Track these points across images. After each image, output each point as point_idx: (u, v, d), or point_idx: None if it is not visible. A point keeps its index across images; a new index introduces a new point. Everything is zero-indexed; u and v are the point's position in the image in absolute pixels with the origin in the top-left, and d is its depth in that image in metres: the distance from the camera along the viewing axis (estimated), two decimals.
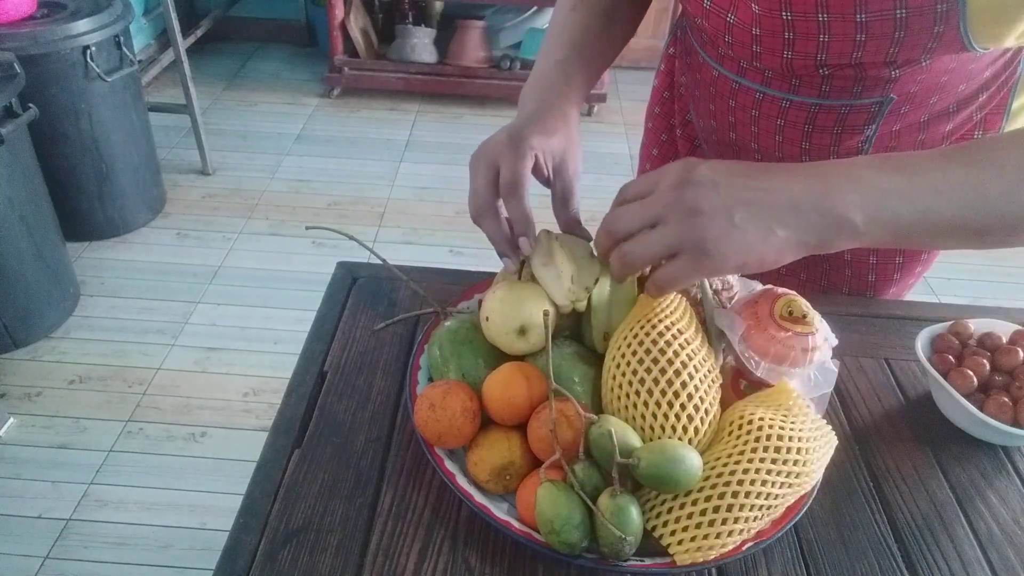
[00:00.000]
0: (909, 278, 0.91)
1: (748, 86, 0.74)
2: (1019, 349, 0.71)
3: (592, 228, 0.68)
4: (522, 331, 0.62)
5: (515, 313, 0.62)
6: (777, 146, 0.77)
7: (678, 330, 0.60)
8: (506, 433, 0.60)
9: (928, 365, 0.71)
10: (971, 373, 0.69)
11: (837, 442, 0.61)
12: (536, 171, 0.63)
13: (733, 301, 0.69)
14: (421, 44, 3.01)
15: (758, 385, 0.64)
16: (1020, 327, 0.74)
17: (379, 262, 0.77)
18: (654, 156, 1.00)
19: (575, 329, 0.68)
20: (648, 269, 0.58)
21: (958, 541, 0.62)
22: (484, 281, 0.75)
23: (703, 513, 0.54)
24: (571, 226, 0.67)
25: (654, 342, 0.59)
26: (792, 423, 0.58)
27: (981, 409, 0.67)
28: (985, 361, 0.70)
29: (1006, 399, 0.67)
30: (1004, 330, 0.74)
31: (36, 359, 1.83)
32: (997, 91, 0.75)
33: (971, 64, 0.68)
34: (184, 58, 2.35)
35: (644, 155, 1.03)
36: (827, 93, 0.70)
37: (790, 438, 0.56)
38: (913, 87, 0.68)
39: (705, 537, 0.53)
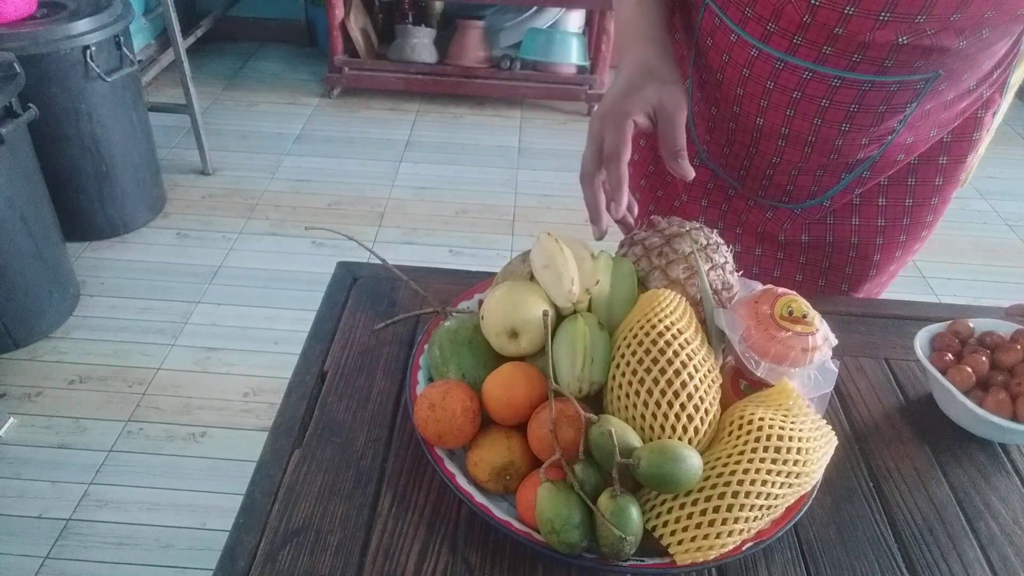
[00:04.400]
0: (908, 256, 0.93)
1: (796, 65, 0.71)
2: (1019, 346, 0.71)
3: (592, 231, 0.68)
4: (514, 334, 0.62)
5: (509, 315, 0.62)
6: (813, 129, 0.76)
7: (678, 330, 0.60)
8: (506, 433, 0.60)
9: (927, 363, 0.71)
10: (970, 370, 0.69)
11: (837, 442, 0.61)
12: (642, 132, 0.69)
13: (733, 301, 0.69)
14: (421, 44, 3.01)
15: (758, 385, 0.64)
16: (1021, 327, 0.74)
17: (379, 262, 0.77)
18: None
19: None
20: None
21: (958, 541, 0.62)
22: (484, 281, 0.75)
23: (703, 513, 0.54)
24: (677, 159, 0.69)
25: (654, 342, 0.59)
26: (792, 423, 0.58)
27: (980, 405, 0.67)
28: (984, 358, 0.70)
29: (1005, 395, 0.67)
30: (1005, 330, 0.74)
31: (36, 359, 1.83)
32: (1004, 71, 0.76)
33: (1002, 39, 0.69)
34: (184, 58, 2.35)
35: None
36: (887, 69, 0.69)
37: (790, 438, 0.56)
38: (959, 62, 0.69)
39: (705, 537, 0.53)
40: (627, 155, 0.66)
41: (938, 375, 0.70)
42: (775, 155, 0.81)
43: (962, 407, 0.68)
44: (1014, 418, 0.66)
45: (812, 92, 0.73)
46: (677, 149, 0.68)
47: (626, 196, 0.66)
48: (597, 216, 0.68)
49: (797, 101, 0.74)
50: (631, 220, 0.71)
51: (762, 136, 0.80)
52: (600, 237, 0.68)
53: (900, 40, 0.66)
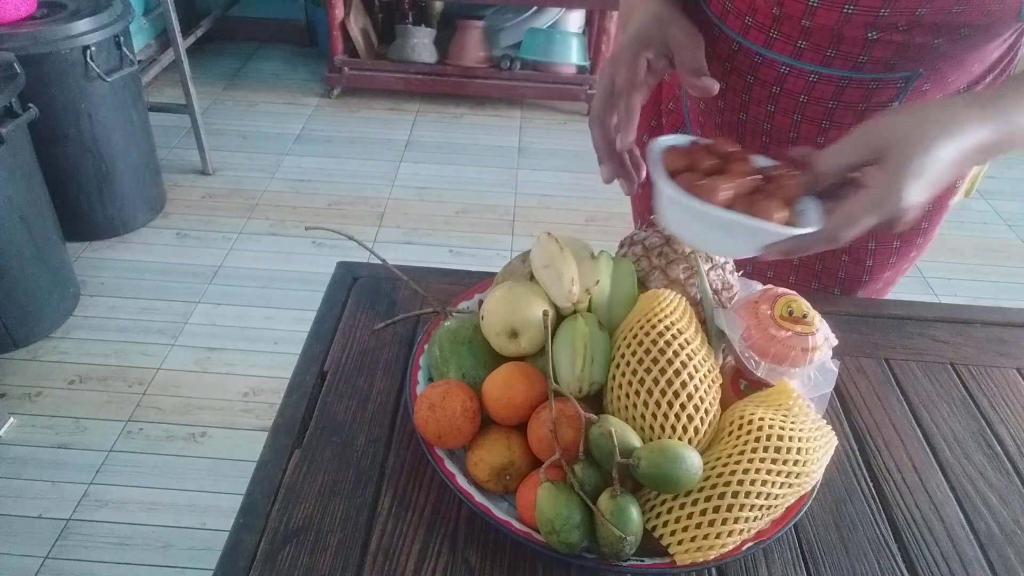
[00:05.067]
0: (904, 263, 0.91)
1: (773, 59, 0.72)
2: (754, 159, 0.62)
3: (592, 231, 0.68)
4: (514, 334, 0.62)
5: (509, 315, 0.62)
6: (793, 126, 0.76)
7: (678, 330, 0.60)
8: (506, 433, 0.60)
9: (651, 158, 0.62)
10: (687, 159, 0.60)
11: (837, 442, 0.61)
12: (655, 72, 0.67)
13: (733, 301, 0.69)
14: (421, 44, 3.01)
15: (758, 385, 0.64)
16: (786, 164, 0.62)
17: (379, 262, 0.77)
18: (643, 143, 1.00)
19: None
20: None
21: (958, 541, 0.62)
22: (484, 281, 0.75)
23: (703, 513, 0.54)
24: (698, 76, 0.66)
25: (654, 342, 0.59)
26: (792, 423, 0.58)
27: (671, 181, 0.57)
28: (715, 158, 0.61)
29: (700, 176, 0.58)
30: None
31: (36, 359, 1.83)
32: (999, 74, 0.76)
33: (991, 42, 0.69)
34: (184, 58, 2.35)
35: (636, 142, 1.03)
36: (863, 65, 0.69)
37: (790, 438, 0.56)
38: (941, 62, 0.68)
39: (705, 537, 0.53)
40: (640, 90, 0.65)
41: (661, 176, 0.60)
42: (760, 151, 0.81)
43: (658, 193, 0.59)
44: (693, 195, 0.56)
45: (790, 87, 0.73)
46: (698, 67, 0.66)
47: (634, 128, 0.65)
48: (606, 156, 0.67)
49: (776, 96, 0.75)
50: (634, 175, 0.68)
51: (747, 132, 0.81)
52: (609, 180, 0.68)
53: (870, 35, 0.66)
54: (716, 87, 0.65)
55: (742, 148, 0.64)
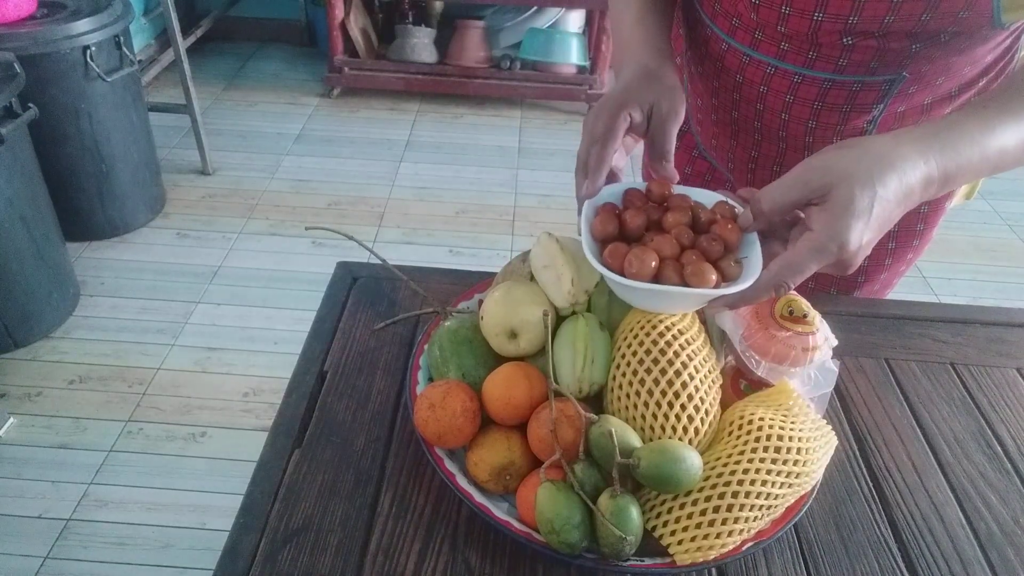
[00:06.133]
0: (900, 264, 0.91)
1: (759, 59, 0.73)
2: (689, 210, 0.61)
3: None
4: (513, 334, 0.62)
5: (508, 315, 0.62)
6: (782, 124, 0.77)
7: (678, 330, 0.60)
8: (506, 433, 0.60)
9: (585, 215, 0.62)
10: (609, 222, 0.60)
11: (837, 442, 0.61)
12: (635, 131, 0.66)
13: None
14: (421, 44, 3.01)
15: (758, 385, 0.64)
16: (727, 200, 0.63)
17: (379, 262, 0.77)
18: None
19: None
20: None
21: (958, 541, 0.62)
22: (484, 281, 0.75)
23: (703, 513, 0.54)
24: (660, 161, 0.66)
25: (654, 342, 0.59)
26: (792, 423, 0.58)
27: (600, 257, 0.58)
28: (641, 216, 0.61)
29: (624, 248, 0.58)
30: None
31: (36, 359, 1.83)
32: (995, 77, 0.76)
33: (979, 46, 0.69)
34: (184, 58, 2.35)
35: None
36: (843, 68, 0.69)
37: (790, 438, 0.56)
38: (925, 66, 0.69)
39: (705, 537, 0.53)
40: (614, 143, 0.63)
41: (584, 228, 0.60)
42: (753, 148, 0.83)
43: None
44: (620, 271, 0.57)
45: (776, 87, 0.74)
46: (664, 151, 0.66)
47: (601, 180, 0.64)
48: (580, 207, 0.66)
49: (764, 95, 0.76)
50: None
51: (740, 130, 0.82)
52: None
53: (845, 41, 0.67)
54: (676, 178, 0.65)
55: (678, 193, 0.64)
